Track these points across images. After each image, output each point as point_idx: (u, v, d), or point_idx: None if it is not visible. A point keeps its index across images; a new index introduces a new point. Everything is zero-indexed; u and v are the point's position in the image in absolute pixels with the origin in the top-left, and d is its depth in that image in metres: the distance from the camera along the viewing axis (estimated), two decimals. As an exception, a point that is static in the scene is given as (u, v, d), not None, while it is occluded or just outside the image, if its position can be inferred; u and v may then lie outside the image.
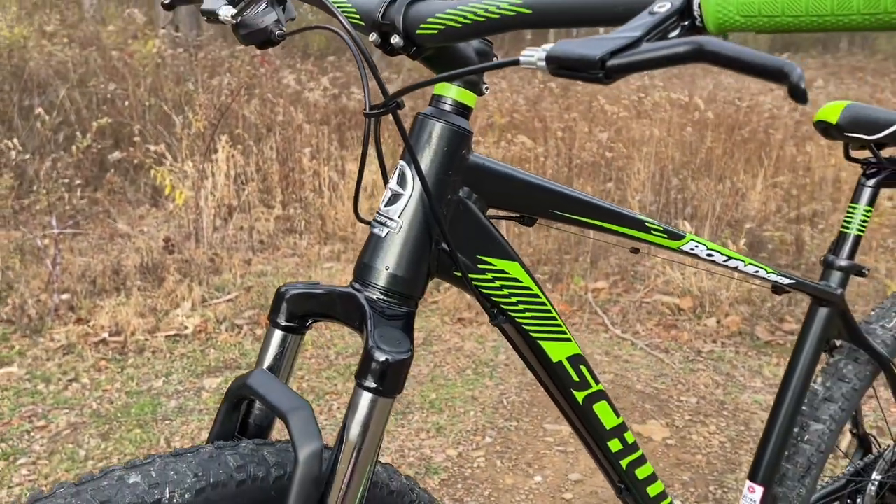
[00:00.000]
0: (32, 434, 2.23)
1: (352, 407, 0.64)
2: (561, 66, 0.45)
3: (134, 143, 4.63)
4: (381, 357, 0.63)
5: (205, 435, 2.23)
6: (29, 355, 2.72)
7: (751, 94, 6.21)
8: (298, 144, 5.07)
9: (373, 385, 0.63)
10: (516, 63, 0.49)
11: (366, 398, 0.63)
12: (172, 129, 4.74)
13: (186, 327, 3.01)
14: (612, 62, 0.42)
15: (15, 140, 3.77)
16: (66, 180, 3.91)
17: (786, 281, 0.99)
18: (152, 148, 4.33)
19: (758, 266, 0.94)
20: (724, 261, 0.91)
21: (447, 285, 3.44)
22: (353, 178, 4.53)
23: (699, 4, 0.44)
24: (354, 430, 0.64)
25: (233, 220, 4.28)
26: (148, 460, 0.61)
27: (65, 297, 3.14)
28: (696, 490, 1.98)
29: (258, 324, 3.08)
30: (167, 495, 0.59)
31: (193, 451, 0.63)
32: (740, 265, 0.92)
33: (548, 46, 0.46)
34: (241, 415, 0.71)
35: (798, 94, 0.39)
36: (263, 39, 0.72)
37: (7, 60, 5.49)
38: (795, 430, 1.10)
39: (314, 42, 10.28)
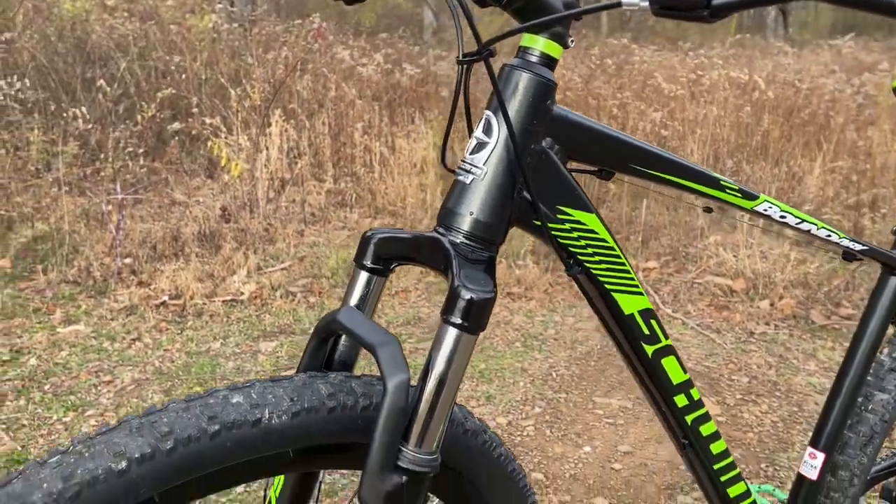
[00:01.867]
0: (99, 388, 2.33)
1: (437, 342, 0.67)
2: (664, 6, 0.46)
3: (192, 114, 4.73)
4: (467, 295, 0.66)
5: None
6: (94, 315, 2.83)
7: (811, 76, 6.04)
8: (350, 120, 5.13)
9: (458, 321, 0.66)
10: (618, 6, 0.50)
11: (451, 333, 0.66)
12: (228, 103, 4.83)
13: (242, 293, 3.09)
14: (717, 0, 0.44)
15: (83, 108, 3.90)
16: (130, 149, 4.03)
17: (858, 247, 0.99)
18: (208, 121, 4.43)
19: (830, 230, 0.95)
20: (797, 223, 0.91)
21: (497, 259, 3.46)
22: (403, 154, 4.57)
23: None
24: (439, 363, 0.67)
25: (285, 192, 4.36)
26: (248, 384, 0.66)
27: (127, 261, 3.25)
28: (748, 467, 1.98)
29: (311, 292, 3.15)
30: (266, 415, 0.63)
31: (289, 378, 0.67)
32: (813, 228, 0.93)
33: (652, -14, 0.47)
34: (328, 350, 0.75)
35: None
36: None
37: (70, 33, 5.65)
38: (860, 399, 1.10)
39: (366, 19, 10.32)
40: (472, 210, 0.70)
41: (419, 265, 0.74)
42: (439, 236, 0.71)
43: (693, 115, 5.00)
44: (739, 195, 0.86)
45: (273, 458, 0.65)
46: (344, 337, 0.75)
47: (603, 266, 0.78)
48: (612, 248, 0.79)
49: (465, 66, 0.67)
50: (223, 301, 3.02)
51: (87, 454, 0.57)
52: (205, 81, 5.38)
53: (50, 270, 3.11)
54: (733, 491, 0.97)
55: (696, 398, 0.90)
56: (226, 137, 4.21)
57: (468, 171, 0.71)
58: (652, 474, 1.95)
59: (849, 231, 3.78)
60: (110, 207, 3.61)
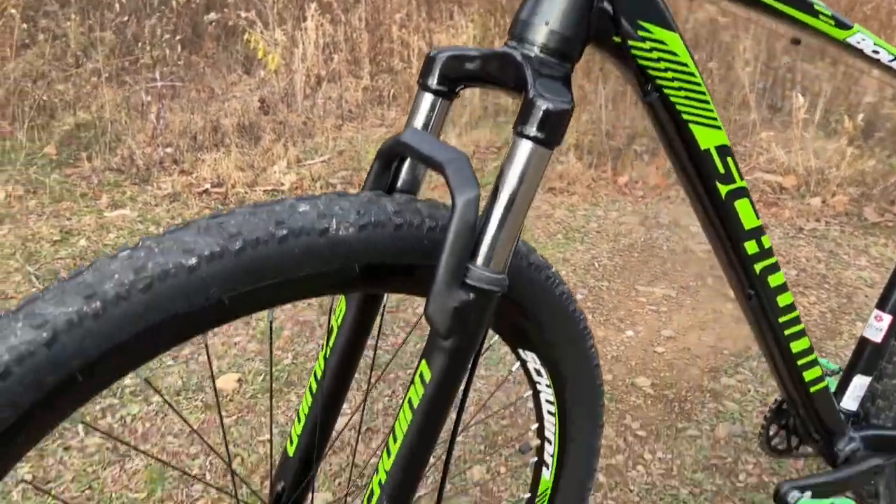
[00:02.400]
0: (147, 268, 2.37)
1: (510, 156, 0.64)
2: None
3: (227, 4, 4.63)
4: (544, 105, 0.62)
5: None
6: (139, 200, 2.86)
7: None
8: (387, 14, 4.98)
9: (533, 133, 0.62)
10: None
11: (525, 147, 0.63)
12: (263, -5, 4.71)
13: (283, 183, 3.09)
14: None
15: (119, -4, 3.83)
16: (166, 37, 3.98)
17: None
18: (243, 14, 4.33)
19: (924, 71, 0.88)
20: (890, 60, 0.85)
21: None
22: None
23: None
24: (511, 179, 0.64)
25: (322, 89, 4.29)
26: (315, 196, 0.64)
27: (168, 150, 3.26)
28: (793, 353, 1.96)
29: (351, 183, 3.14)
30: (334, 225, 0.61)
31: (355, 194, 0.65)
32: (905, 67, 0.86)
33: None
34: (391, 176, 0.72)
35: None
36: None
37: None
38: (932, 261, 1.06)
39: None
40: (547, 20, 0.66)
41: (488, 86, 0.70)
42: (511, 50, 0.67)
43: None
44: (833, 23, 0.79)
45: (340, 274, 0.64)
46: (407, 162, 0.73)
47: (682, 93, 0.74)
48: (692, 75, 0.74)
49: None
50: (264, 190, 3.02)
51: (156, 249, 0.56)
52: (239, -27, 5.24)
53: (94, 158, 3.13)
54: (796, 346, 0.95)
55: (766, 246, 0.87)
56: (262, 31, 4.12)
57: (544, -21, 0.66)
58: (695, 358, 1.94)
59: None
60: (149, 97, 3.59)
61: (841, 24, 0.80)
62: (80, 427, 1.60)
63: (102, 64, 3.74)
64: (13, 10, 3.43)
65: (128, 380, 1.78)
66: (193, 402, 1.72)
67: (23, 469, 1.49)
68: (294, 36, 4.24)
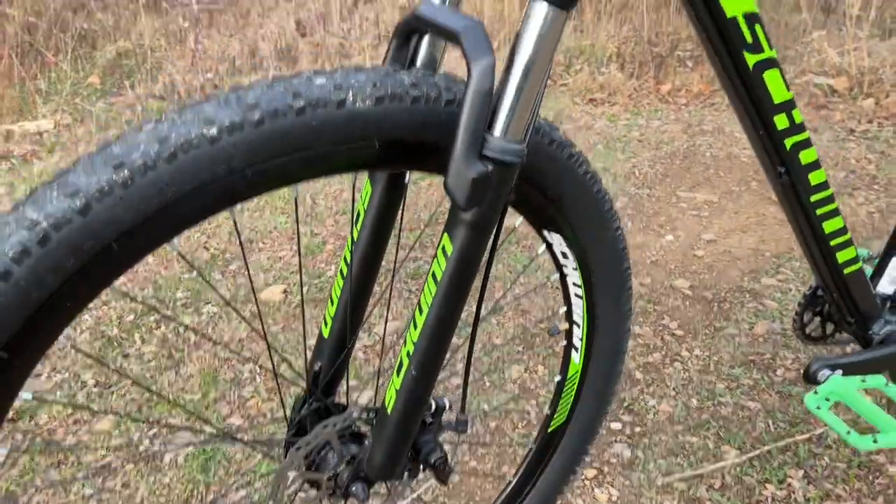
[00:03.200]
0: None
1: (525, 20, 0.63)
2: None
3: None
4: (558, -34, 0.61)
5: (345, 206, 2.34)
6: (182, 126, 2.90)
7: None
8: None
9: (548, -4, 0.62)
10: None
11: (540, 9, 0.62)
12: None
13: (322, 104, 3.10)
14: None
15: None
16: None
17: None
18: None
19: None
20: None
21: (578, 66, 3.33)
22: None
23: None
24: (527, 43, 0.63)
25: (358, 10, 4.23)
26: (332, 70, 0.65)
27: (209, 76, 3.28)
28: (838, 253, 1.93)
29: (389, 101, 3.12)
30: (350, 97, 0.62)
31: (372, 68, 0.66)
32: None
33: None
34: (410, 52, 0.73)
35: None
36: None
37: None
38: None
39: None
40: None
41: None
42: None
43: None
44: None
45: (360, 149, 0.65)
46: (426, 40, 0.73)
47: (704, -43, 0.71)
48: (715, -64, 0.71)
49: None
50: (303, 112, 3.04)
51: (179, 122, 0.58)
52: None
53: (137, 86, 3.18)
54: (829, 226, 0.94)
55: (798, 121, 0.85)
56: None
57: None
58: (735, 260, 1.92)
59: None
60: (187, 24, 3.60)
61: None
62: (137, 335, 1.69)
63: (139, -9, 3.75)
64: (48, -60, 3.44)
65: (179, 293, 1.85)
66: (241, 312, 1.79)
67: (86, 375, 1.58)
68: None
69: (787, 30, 3.57)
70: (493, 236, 0.69)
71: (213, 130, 0.57)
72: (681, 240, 2.02)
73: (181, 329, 1.72)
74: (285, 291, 1.86)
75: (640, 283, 1.84)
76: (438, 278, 0.69)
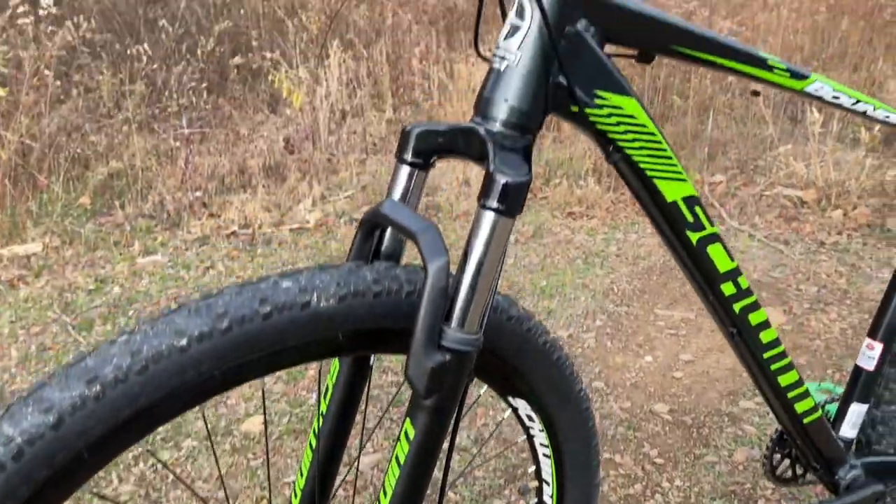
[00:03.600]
0: (178, 312, 2.46)
1: (475, 227, 0.69)
2: None
3: (251, 49, 4.78)
4: (503, 179, 0.67)
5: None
6: (170, 245, 2.97)
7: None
8: (408, 47, 5.08)
9: (495, 205, 0.67)
10: None
11: (488, 218, 0.68)
12: (286, 36, 4.85)
13: (308, 221, 3.18)
14: None
15: (146, 45, 3.98)
16: (193, 84, 4.12)
17: (919, 128, 0.94)
18: (268, 55, 4.47)
19: (889, 110, 0.91)
20: (852, 104, 0.88)
21: (557, 180, 3.44)
22: (461, 79, 4.51)
23: None
24: (477, 247, 0.68)
25: (346, 123, 4.39)
26: (297, 271, 0.69)
27: (197, 194, 3.37)
28: (813, 373, 1.96)
29: (374, 218, 3.20)
30: (315, 298, 0.67)
31: (336, 266, 0.71)
32: (869, 109, 0.89)
33: None
34: (374, 243, 0.78)
35: None
36: None
37: (131, -25, 5.72)
38: (920, 289, 1.07)
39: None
40: (507, 97, 0.71)
41: (458, 157, 0.75)
42: (476, 125, 0.72)
43: (765, 21, 4.75)
44: (788, 75, 0.83)
45: (323, 342, 0.69)
46: (389, 231, 0.78)
47: (644, 152, 0.78)
48: (652, 134, 0.78)
49: (492, -53, 0.66)
50: (290, 229, 3.11)
51: (151, 333, 0.62)
52: (262, 15, 5.40)
53: (127, 205, 3.25)
54: (784, 380, 0.97)
55: (744, 287, 0.90)
56: (286, 71, 4.25)
57: (502, 58, 0.71)
58: (714, 381, 1.95)
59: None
60: (178, 143, 3.72)
61: (797, 76, 0.84)
62: (114, 473, 1.67)
63: (133, 113, 3.89)
64: (47, 71, 3.59)
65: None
66: (222, 447, 1.78)
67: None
68: (318, 73, 4.36)
69: (756, 141, 3.73)
70: (454, 416, 0.73)
71: (184, 341, 0.61)
72: (659, 360, 2.05)
73: (159, 466, 1.72)
74: (264, 423, 1.86)
75: (621, 406, 1.86)
76: (401, 462, 0.71)
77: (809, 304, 2.31)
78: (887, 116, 0.91)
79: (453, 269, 0.71)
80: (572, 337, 2.19)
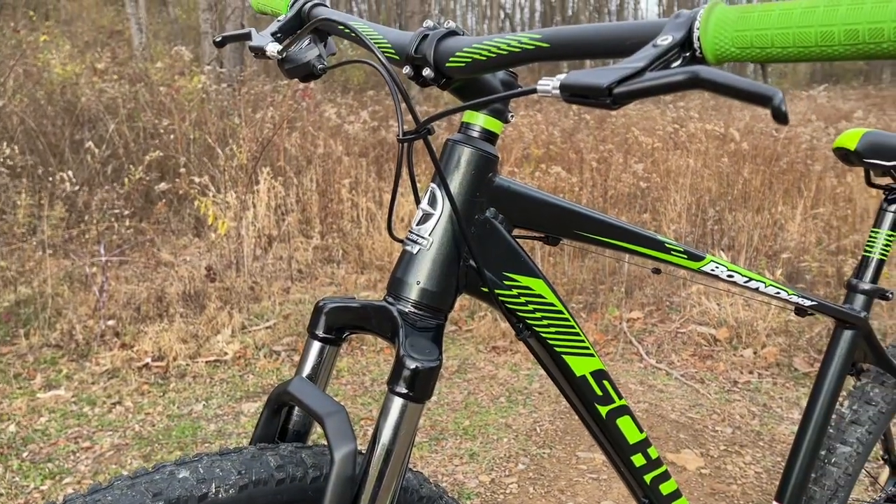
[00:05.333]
0: (78, 454, 2.31)
1: (384, 412, 0.68)
2: (573, 94, 0.49)
3: (179, 174, 4.78)
4: (412, 364, 0.67)
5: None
6: (76, 379, 2.82)
7: (788, 126, 6.17)
8: (338, 176, 5.19)
9: (404, 391, 0.67)
10: (534, 91, 0.53)
11: (397, 403, 0.68)
12: (216, 162, 4.90)
13: (226, 353, 3.09)
14: (618, 90, 0.47)
15: (69, 172, 3.94)
16: (116, 211, 4.06)
17: (808, 303, 1.01)
18: (196, 180, 4.48)
19: (779, 288, 0.97)
20: (745, 282, 0.93)
21: (482, 314, 3.48)
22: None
23: (698, 38, 0.49)
24: (386, 433, 0.68)
25: (272, 249, 4.39)
26: (196, 458, 0.66)
27: (111, 322, 3.25)
28: (731, 520, 1.96)
29: (296, 350, 3.14)
30: (213, 490, 0.64)
31: (237, 450, 0.68)
32: (761, 286, 0.95)
33: (561, 76, 0.50)
34: (281, 420, 0.76)
35: (780, 116, 0.43)
36: (306, 73, 0.79)
37: (60, 96, 5.74)
38: (822, 452, 1.10)
39: (354, 77, 10.51)
40: (419, 279, 0.72)
41: (370, 334, 0.76)
42: (388, 305, 0.73)
43: (675, 165, 5.09)
44: (685, 257, 0.88)
45: (221, 534, 0.66)
46: (297, 410, 0.76)
47: (552, 329, 0.80)
48: (560, 312, 0.80)
49: (405, 143, 0.70)
50: (206, 361, 3.01)
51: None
52: (193, 141, 5.46)
53: (32, 334, 3.10)
54: (698, 550, 0.97)
55: (653, 457, 0.91)
56: (213, 196, 4.25)
57: (415, 242, 0.74)
58: (635, 530, 1.92)
59: (832, 276, 3.82)
60: (94, 269, 3.61)
61: (693, 257, 0.89)
62: None
63: (49, 237, 3.78)
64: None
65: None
66: None
67: None
68: (245, 199, 4.38)
69: (670, 279, 3.89)
70: None
71: (64, 545, 0.57)
72: (581, 507, 2.02)
73: None
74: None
75: (542, 559, 1.81)
76: None
77: (725, 445, 2.35)
78: (778, 293, 0.97)
79: (363, 447, 0.69)
80: (494, 482, 2.14)
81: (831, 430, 1.11)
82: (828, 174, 5.28)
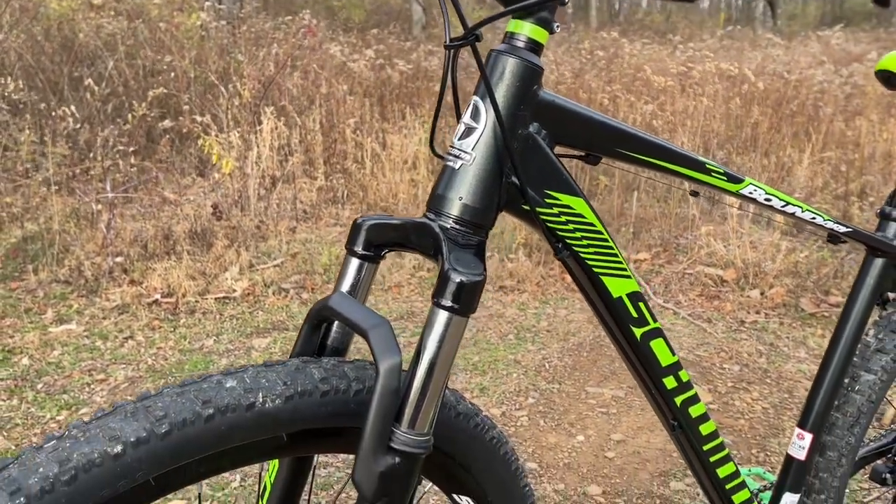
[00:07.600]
0: (93, 386, 2.33)
1: (428, 325, 0.68)
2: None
3: (182, 113, 4.72)
4: (457, 278, 0.66)
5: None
6: (86, 314, 2.83)
7: (800, 67, 6.07)
8: (341, 116, 5.13)
9: (449, 304, 0.67)
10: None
11: (442, 316, 0.67)
12: (218, 101, 4.83)
13: (235, 290, 3.10)
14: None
15: (72, 107, 3.88)
16: (120, 148, 4.02)
17: (842, 229, 1.00)
18: (198, 119, 4.42)
19: (815, 213, 0.96)
20: (782, 206, 0.92)
21: (489, 254, 3.48)
22: (395, 149, 4.57)
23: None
24: (430, 346, 0.67)
25: (277, 190, 4.36)
26: (242, 369, 0.66)
27: (118, 259, 3.25)
28: (739, 452, 2.00)
29: (304, 288, 3.15)
30: (260, 399, 0.64)
31: (282, 363, 0.68)
32: (797, 211, 0.94)
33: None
34: (320, 336, 0.76)
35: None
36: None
37: (57, 32, 5.62)
38: (846, 380, 1.11)
39: (356, 15, 10.30)
40: (461, 195, 0.71)
41: (410, 251, 0.75)
42: (429, 221, 0.72)
43: (683, 107, 5.03)
44: (725, 178, 0.87)
45: (267, 442, 0.66)
46: (336, 323, 0.76)
47: (591, 250, 0.79)
48: (599, 232, 0.79)
49: (451, 50, 0.68)
50: (216, 298, 3.02)
51: (82, 438, 0.57)
52: (194, 80, 5.37)
53: (41, 270, 3.10)
54: (723, 471, 0.99)
55: (684, 380, 0.91)
56: (216, 135, 4.20)
57: (457, 157, 0.72)
58: (645, 462, 1.96)
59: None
60: (100, 207, 3.60)
61: (733, 179, 0.88)
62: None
63: (53, 174, 3.75)
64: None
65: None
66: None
67: None
68: (249, 139, 4.33)
69: (678, 220, 3.89)
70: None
71: (118, 447, 0.57)
72: (591, 440, 2.06)
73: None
74: (186, 507, 1.76)
75: (555, 489, 1.84)
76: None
77: (733, 382, 2.37)
78: (813, 218, 0.96)
79: (405, 364, 0.69)
80: (505, 415, 2.17)
81: (856, 359, 1.12)
82: (837, 118, 5.23)
